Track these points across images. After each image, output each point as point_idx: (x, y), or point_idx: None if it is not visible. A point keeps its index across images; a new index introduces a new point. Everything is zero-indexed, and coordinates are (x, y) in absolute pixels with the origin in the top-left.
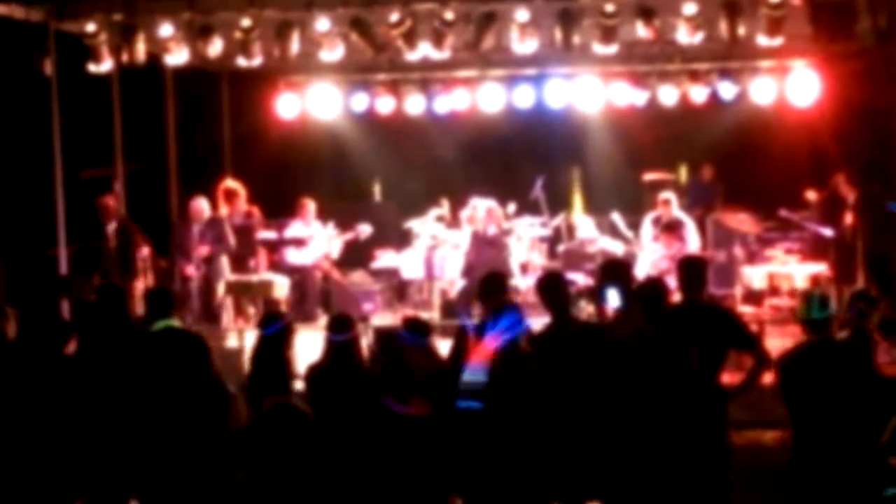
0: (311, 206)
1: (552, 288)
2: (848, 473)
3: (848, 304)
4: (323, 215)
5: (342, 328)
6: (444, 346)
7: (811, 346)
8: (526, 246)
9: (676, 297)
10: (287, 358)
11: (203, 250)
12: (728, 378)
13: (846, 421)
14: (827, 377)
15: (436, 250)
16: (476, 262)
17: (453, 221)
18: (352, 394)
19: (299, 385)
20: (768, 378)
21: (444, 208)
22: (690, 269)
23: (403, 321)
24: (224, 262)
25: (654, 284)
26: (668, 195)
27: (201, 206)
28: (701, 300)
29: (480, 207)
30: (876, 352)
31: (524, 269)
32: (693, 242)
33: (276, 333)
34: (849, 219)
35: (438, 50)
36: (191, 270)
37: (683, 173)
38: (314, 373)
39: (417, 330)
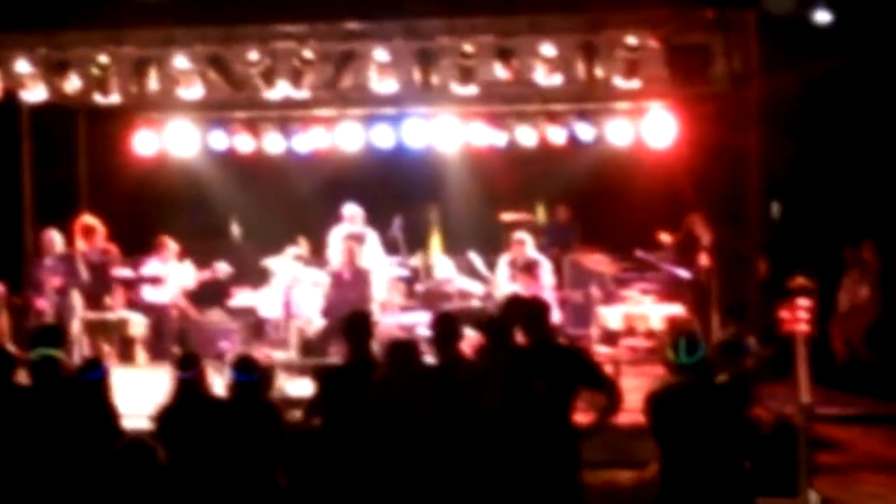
0: (169, 244)
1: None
2: None
3: (718, 351)
4: (181, 253)
5: (188, 365)
6: (302, 386)
7: (682, 386)
8: (385, 285)
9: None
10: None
11: (55, 282)
12: (582, 418)
13: (717, 462)
14: (698, 418)
15: (294, 289)
16: (336, 302)
17: (312, 260)
18: (201, 430)
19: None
20: (623, 418)
21: (301, 247)
22: (533, 310)
23: (234, 360)
24: (76, 297)
25: (500, 317)
26: (521, 236)
27: (53, 238)
28: (549, 339)
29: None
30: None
31: (383, 307)
32: (546, 282)
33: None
34: (704, 260)
35: (297, 89)
36: (43, 304)
37: (541, 213)
38: (164, 411)
39: (246, 369)
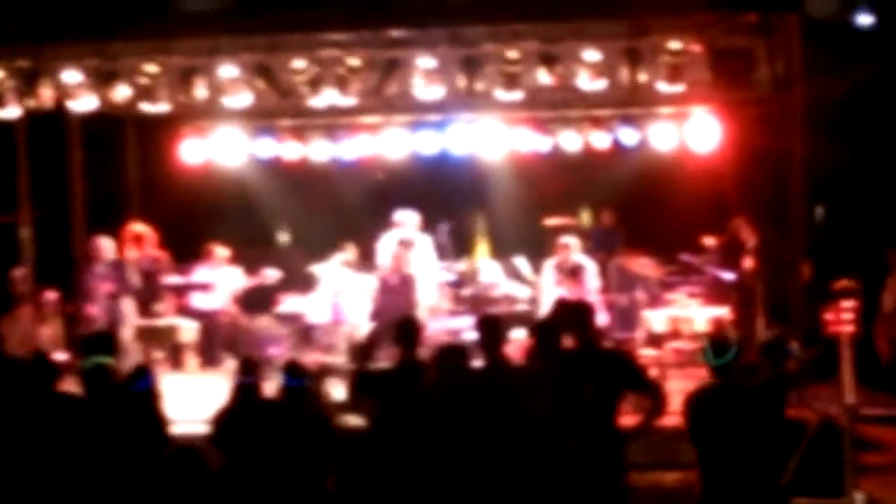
0: (217, 250)
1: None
2: None
3: (760, 353)
4: (229, 260)
5: (249, 370)
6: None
7: (715, 388)
8: (436, 290)
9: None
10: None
11: (105, 289)
12: (628, 421)
13: (751, 463)
14: (731, 420)
15: (342, 295)
16: (383, 307)
17: (359, 265)
18: (256, 434)
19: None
20: (668, 420)
21: (349, 253)
22: (579, 314)
23: (284, 365)
24: (128, 304)
25: (549, 321)
26: (568, 240)
27: (103, 245)
28: (595, 343)
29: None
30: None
31: (431, 312)
32: (592, 286)
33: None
34: (748, 263)
35: (343, 96)
36: (94, 311)
37: (586, 218)
38: (223, 415)
39: (296, 374)
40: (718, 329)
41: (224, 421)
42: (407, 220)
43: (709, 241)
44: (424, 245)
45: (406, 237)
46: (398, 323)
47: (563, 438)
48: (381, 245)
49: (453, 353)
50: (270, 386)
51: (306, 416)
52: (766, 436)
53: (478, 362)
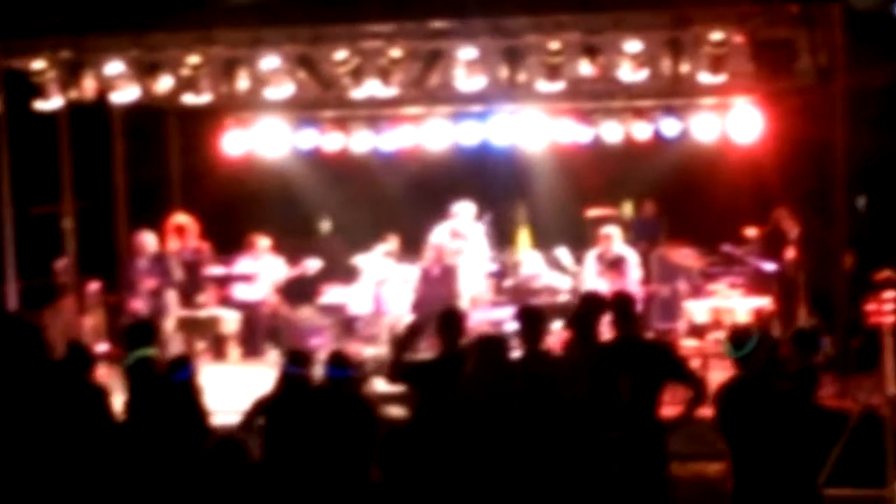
0: (259, 241)
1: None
2: None
3: (790, 341)
4: (271, 249)
5: (299, 362)
6: None
7: (741, 381)
8: (482, 281)
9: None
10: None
11: (149, 283)
12: (669, 412)
13: (779, 455)
14: (757, 413)
15: (384, 285)
16: (425, 297)
17: (401, 256)
18: (299, 423)
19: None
20: (709, 411)
21: (391, 244)
22: (619, 305)
23: (328, 356)
24: (171, 296)
25: (583, 311)
26: (609, 230)
27: (146, 240)
28: (635, 335)
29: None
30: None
31: (473, 303)
32: (633, 276)
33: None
34: (791, 253)
35: (385, 87)
36: (138, 304)
37: (628, 209)
38: (265, 403)
39: (340, 365)
40: (759, 318)
41: (267, 409)
42: (462, 210)
43: (750, 231)
44: (477, 236)
45: (458, 228)
46: (440, 314)
47: (600, 429)
48: (434, 235)
49: (492, 343)
50: (315, 376)
51: (350, 406)
52: (794, 428)
53: (517, 353)
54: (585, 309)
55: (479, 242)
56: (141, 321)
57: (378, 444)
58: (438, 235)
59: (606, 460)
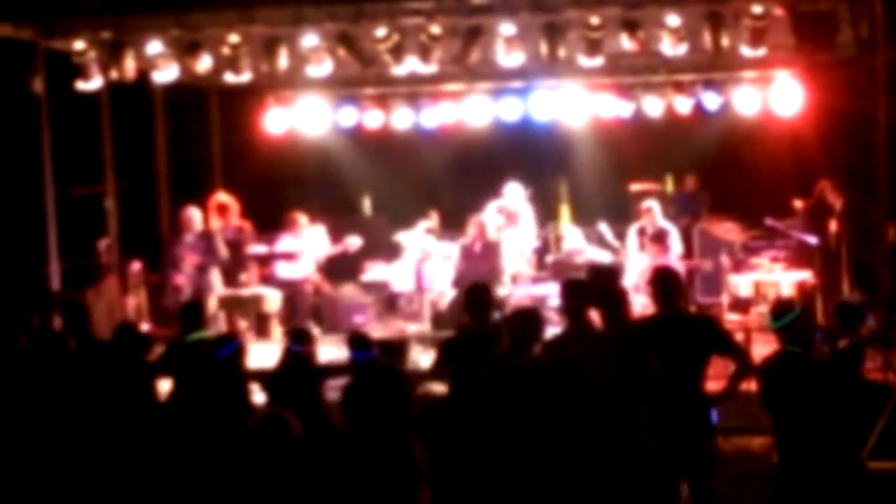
0: (301, 219)
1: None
2: (831, 480)
3: (834, 315)
4: (312, 221)
5: (301, 340)
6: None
7: (785, 355)
8: (516, 256)
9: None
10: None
11: (194, 259)
12: (714, 385)
13: (824, 428)
14: (801, 386)
15: (425, 262)
16: (466, 274)
17: (443, 233)
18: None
19: None
20: (754, 384)
21: (432, 220)
22: (661, 279)
23: (348, 339)
24: (215, 275)
25: (608, 286)
26: (650, 204)
27: (193, 216)
28: (680, 309)
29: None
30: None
31: (514, 279)
32: (675, 250)
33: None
34: (834, 226)
35: (425, 64)
36: (181, 280)
37: (670, 183)
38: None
39: (362, 346)
40: (802, 292)
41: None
42: (511, 192)
43: (797, 203)
44: (526, 215)
45: (507, 206)
46: (467, 290)
47: (630, 405)
48: (485, 214)
49: (526, 317)
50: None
51: (386, 383)
52: (839, 401)
53: (559, 328)
54: (596, 281)
55: (527, 222)
56: (191, 303)
57: (417, 420)
58: (487, 213)
59: (638, 435)
